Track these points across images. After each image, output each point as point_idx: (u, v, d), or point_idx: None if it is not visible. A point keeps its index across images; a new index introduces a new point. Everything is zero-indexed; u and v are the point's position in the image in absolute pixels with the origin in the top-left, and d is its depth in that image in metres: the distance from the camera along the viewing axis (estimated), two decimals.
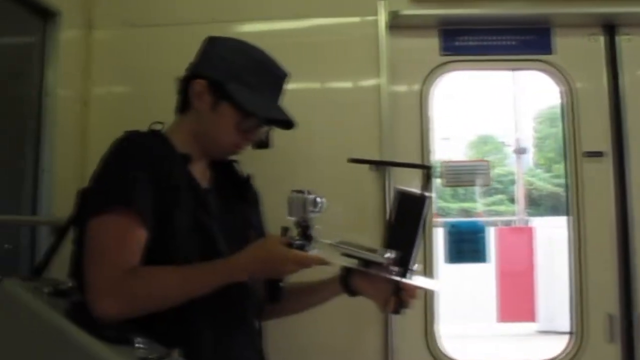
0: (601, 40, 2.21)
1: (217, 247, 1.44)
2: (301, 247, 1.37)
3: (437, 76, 2.21)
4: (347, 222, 1.99)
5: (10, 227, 2.01)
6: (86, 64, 2.22)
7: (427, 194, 1.42)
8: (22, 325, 1.27)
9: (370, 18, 2.18)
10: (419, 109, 2.19)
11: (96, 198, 1.35)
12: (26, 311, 1.26)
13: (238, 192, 1.62)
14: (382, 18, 2.16)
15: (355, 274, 1.52)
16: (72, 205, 1.53)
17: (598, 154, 2.16)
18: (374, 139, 2.11)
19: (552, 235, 8.14)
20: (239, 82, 1.49)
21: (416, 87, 2.21)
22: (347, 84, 2.21)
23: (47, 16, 2.04)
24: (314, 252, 1.39)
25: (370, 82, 2.16)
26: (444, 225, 2.18)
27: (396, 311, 1.44)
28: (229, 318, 1.45)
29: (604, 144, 2.18)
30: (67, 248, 1.51)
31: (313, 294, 1.64)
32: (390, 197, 2.05)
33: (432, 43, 2.23)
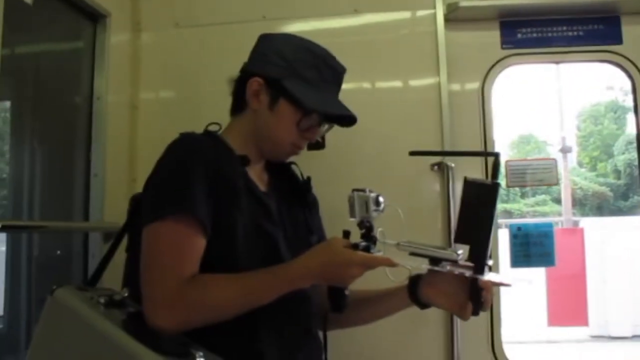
0: None
1: (279, 253, 1.37)
2: (367, 249, 1.29)
3: (498, 71, 2.10)
4: (409, 224, 1.90)
5: (63, 233, 2.00)
6: (135, 66, 2.19)
7: (497, 181, 1.32)
8: (77, 336, 1.22)
9: (427, 12, 2.08)
10: (481, 106, 2.08)
11: (152, 204, 1.29)
12: (81, 322, 1.21)
13: (297, 195, 1.55)
14: (440, 12, 2.06)
15: (423, 283, 1.42)
16: (122, 211, 1.50)
17: None
18: (435, 137, 2.01)
19: (603, 237, 7.90)
20: (297, 78, 1.42)
21: (477, 83, 2.10)
22: (406, 82, 2.11)
23: (97, 19, 2.02)
24: (379, 254, 1.31)
25: (429, 78, 2.06)
26: (509, 227, 2.07)
27: (475, 312, 1.34)
28: (292, 330, 1.38)
29: None
30: (120, 256, 1.46)
31: (379, 303, 1.54)
32: (453, 197, 1.96)
33: (492, 36, 2.11)
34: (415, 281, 1.43)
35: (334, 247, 1.27)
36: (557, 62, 2.22)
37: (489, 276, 1.31)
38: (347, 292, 1.33)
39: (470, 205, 1.31)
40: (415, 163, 1.95)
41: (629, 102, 19.11)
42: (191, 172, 1.28)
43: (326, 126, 1.51)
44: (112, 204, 1.96)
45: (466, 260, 1.30)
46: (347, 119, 1.49)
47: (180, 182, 1.27)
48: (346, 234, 1.31)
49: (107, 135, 1.98)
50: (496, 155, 1.35)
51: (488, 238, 1.28)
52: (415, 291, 1.44)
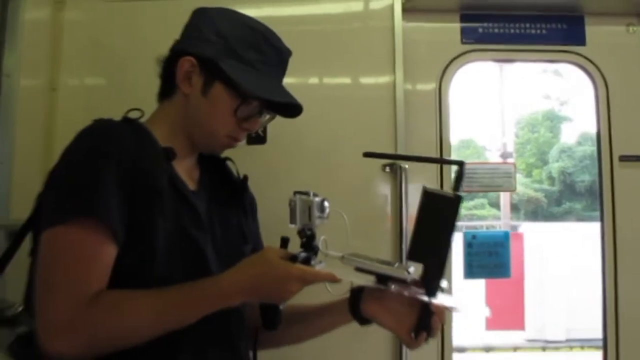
0: None
1: (206, 264, 1.18)
2: (307, 261, 1.14)
3: (457, 67, 1.98)
4: (357, 229, 1.73)
5: None
6: (55, 44, 1.95)
7: (460, 194, 1.17)
8: None
9: (384, 3, 1.92)
10: (437, 102, 1.96)
11: (54, 204, 1.07)
12: None
13: (231, 196, 1.35)
14: (398, 2, 1.91)
15: (367, 296, 1.27)
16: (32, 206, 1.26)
17: (636, 158, 1.93)
18: (388, 137, 1.86)
19: (540, 242, 8.02)
20: (235, 59, 1.22)
21: (434, 77, 1.97)
22: (360, 77, 1.94)
23: None
24: (320, 266, 1.15)
25: (384, 72, 1.90)
26: (464, 235, 1.93)
27: (424, 338, 1.22)
28: (217, 351, 1.19)
29: None
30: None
31: (317, 319, 1.37)
32: (406, 201, 1.82)
33: (452, 30, 2.00)
34: (357, 294, 1.28)
35: (268, 259, 1.10)
36: (518, 61, 2.12)
37: (444, 300, 1.17)
38: (281, 307, 1.16)
39: (428, 219, 1.16)
40: (365, 163, 1.80)
41: (564, 111, 19.77)
42: (103, 166, 1.06)
43: (267, 116, 1.33)
44: (21, 199, 1.71)
45: (419, 280, 1.17)
46: (292, 109, 1.31)
47: (88, 178, 1.06)
48: (284, 242, 1.15)
49: (16, 118, 1.73)
50: (460, 164, 1.19)
51: (445, 257, 1.15)
52: (357, 305, 1.28)
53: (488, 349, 7.54)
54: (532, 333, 7.81)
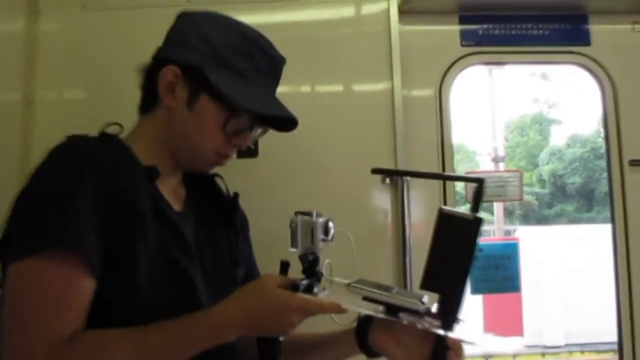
0: None
1: (195, 292, 1.07)
2: (309, 289, 1.04)
3: (457, 71, 1.88)
4: (357, 246, 1.64)
5: None
6: (30, 56, 1.83)
7: (480, 216, 1.07)
8: None
9: (380, 6, 1.83)
10: (438, 108, 1.86)
11: (22, 233, 0.95)
12: None
13: (220, 216, 1.24)
14: (394, 3, 1.82)
15: (375, 328, 1.17)
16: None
17: None
18: (386, 145, 1.76)
19: (535, 246, 7.95)
20: (224, 67, 1.12)
21: (433, 82, 1.87)
22: (356, 83, 1.84)
23: None
24: (324, 294, 1.06)
25: (380, 77, 1.81)
26: None
27: None
28: None
29: None
30: None
31: (319, 352, 1.26)
32: (408, 215, 1.72)
33: (451, 32, 1.90)
34: (364, 324, 1.18)
35: (266, 289, 1.00)
36: (520, 63, 2.04)
37: (458, 333, 1.07)
38: (280, 338, 1.06)
39: (444, 243, 1.06)
40: (364, 175, 1.72)
41: (553, 114, 19.85)
42: (77, 185, 0.96)
43: (259, 130, 1.23)
44: None
45: (435, 310, 1.07)
46: (286, 122, 1.21)
47: (60, 200, 0.95)
48: (284, 267, 1.05)
49: None
50: (480, 182, 1.09)
51: (464, 286, 1.05)
52: (364, 336, 1.17)
53: (487, 357, 7.46)
54: (530, 339, 7.74)
